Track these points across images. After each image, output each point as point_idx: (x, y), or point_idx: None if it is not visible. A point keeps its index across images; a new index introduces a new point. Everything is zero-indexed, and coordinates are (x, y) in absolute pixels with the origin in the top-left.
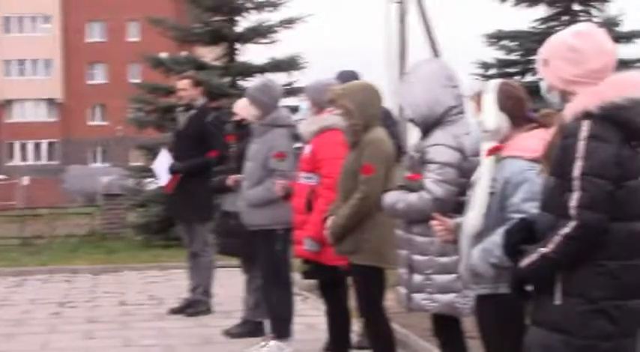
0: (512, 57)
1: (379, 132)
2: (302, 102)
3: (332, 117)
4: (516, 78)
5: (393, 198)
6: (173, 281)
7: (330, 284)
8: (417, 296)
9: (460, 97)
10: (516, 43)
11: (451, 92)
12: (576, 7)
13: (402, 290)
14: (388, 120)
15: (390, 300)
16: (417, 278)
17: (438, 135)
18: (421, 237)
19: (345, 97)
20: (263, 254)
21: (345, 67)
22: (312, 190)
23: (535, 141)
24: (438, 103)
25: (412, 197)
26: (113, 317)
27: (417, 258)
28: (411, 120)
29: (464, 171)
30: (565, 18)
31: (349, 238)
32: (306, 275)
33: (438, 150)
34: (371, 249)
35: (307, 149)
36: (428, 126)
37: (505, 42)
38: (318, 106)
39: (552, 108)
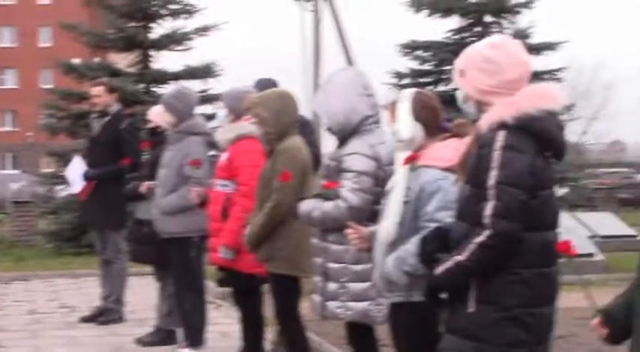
0: (426, 67)
1: (295, 141)
2: (219, 109)
3: (249, 125)
4: (430, 87)
5: (308, 206)
6: (85, 289)
7: (244, 291)
8: (331, 304)
9: (376, 106)
10: (430, 53)
11: (367, 101)
12: (488, 18)
13: (317, 298)
14: (306, 129)
15: (305, 308)
16: (332, 286)
17: (355, 144)
18: (336, 245)
19: (259, 106)
20: (177, 261)
21: (263, 75)
22: (227, 198)
23: (449, 150)
24: (355, 112)
25: (328, 205)
26: (23, 326)
27: (332, 265)
28: (328, 129)
29: (379, 180)
30: (477, 29)
31: (264, 246)
32: (221, 282)
33: (354, 158)
34: (285, 257)
35: (224, 156)
36: (344, 135)
37: (419, 52)
38: (235, 114)
39: (467, 118)
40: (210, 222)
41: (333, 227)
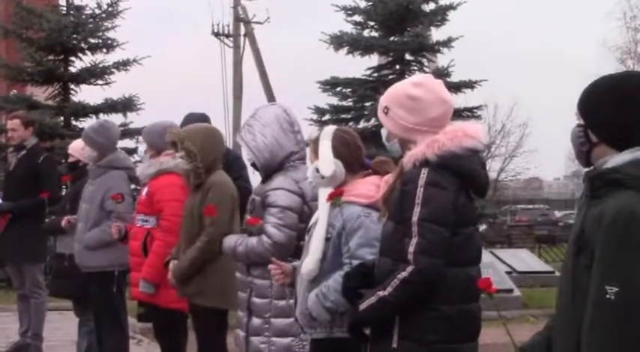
0: (347, 103)
1: (221, 175)
2: (141, 144)
3: (170, 161)
4: (350, 124)
5: (233, 241)
6: (1, 325)
7: (165, 327)
8: (255, 340)
9: (302, 143)
10: (350, 89)
11: (293, 138)
12: (408, 57)
13: (241, 333)
14: (237, 164)
15: (230, 344)
16: (256, 321)
17: (279, 180)
18: (260, 279)
19: (188, 140)
20: (98, 296)
21: (185, 108)
22: (148, 233)
23: (370, 187)
24: (280, 148)
25: (252, 241)
26: None
27: (256, 300)
28: (252, 165)
29: (304, 216)
30: (397, 67)
31: (193, 281)
32: (141, 317)
33: (278, 194)
34: (218, 290)
35: (144, 191)
36: (269, 171)
37: (339, 89)
38: (156, 149)
39: (388, 154)
40: (131, 257)
41: (257, 262)
